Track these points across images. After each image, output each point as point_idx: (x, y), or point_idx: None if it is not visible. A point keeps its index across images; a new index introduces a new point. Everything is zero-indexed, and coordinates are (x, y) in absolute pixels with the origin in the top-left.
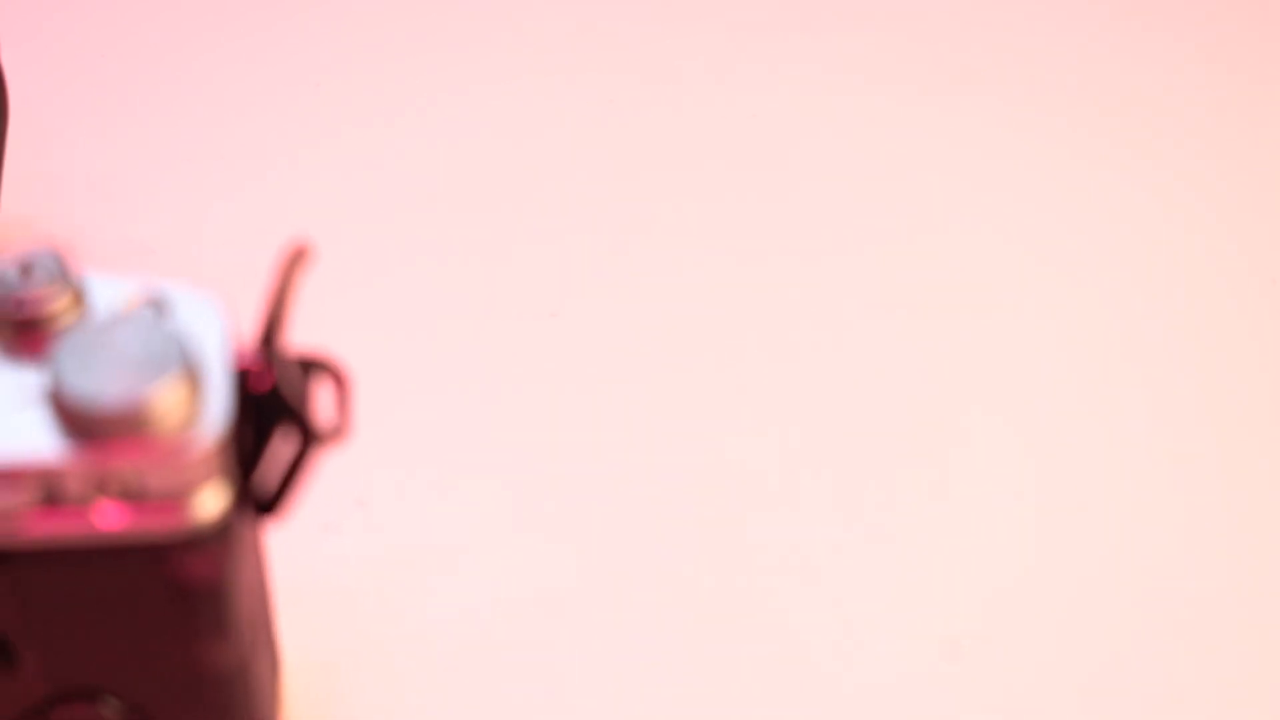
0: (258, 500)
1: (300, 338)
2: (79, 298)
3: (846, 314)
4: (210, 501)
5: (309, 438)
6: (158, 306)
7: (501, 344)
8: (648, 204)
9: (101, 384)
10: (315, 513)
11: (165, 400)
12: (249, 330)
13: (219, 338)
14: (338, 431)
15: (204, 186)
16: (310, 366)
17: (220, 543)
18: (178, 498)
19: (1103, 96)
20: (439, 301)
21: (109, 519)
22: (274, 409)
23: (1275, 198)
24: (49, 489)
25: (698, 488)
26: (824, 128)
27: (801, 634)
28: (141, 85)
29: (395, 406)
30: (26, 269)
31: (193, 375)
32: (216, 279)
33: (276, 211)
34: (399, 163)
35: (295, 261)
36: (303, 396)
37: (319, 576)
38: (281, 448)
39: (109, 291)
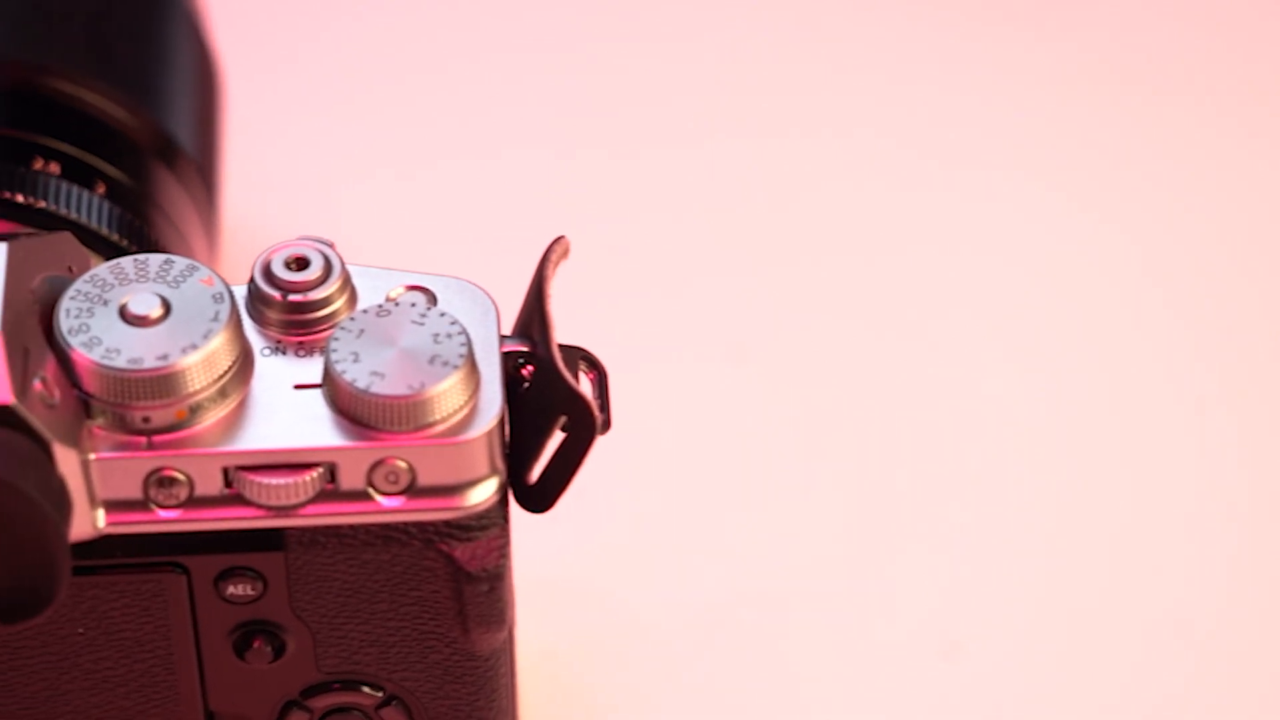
0: (529, 493)
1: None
2: (349, 289)
3: (839, 315)
4: (484, 491)
5: (588, 430)
6: (427, 297)
7: (717, 336)
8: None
9: (380, 375)
10: None
11: (443, 392)
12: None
13: (489, 329)
14: (606, 424)
15: (436, 179)
16: (575, 358)
17: (496, 532)
18: (453, 487)
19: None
20: (661, 291)
21: (384, 507)
22: (548, 400)
23: None
24: (325, 477)
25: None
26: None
27: (801, 633)
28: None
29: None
30: (299, 262)
31: (469, 367)
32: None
33: (494, 204)
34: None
35: (557, 255)
36: (578, 388)
37: (541, 565)
38: (553, 440)
39: (376, 283)
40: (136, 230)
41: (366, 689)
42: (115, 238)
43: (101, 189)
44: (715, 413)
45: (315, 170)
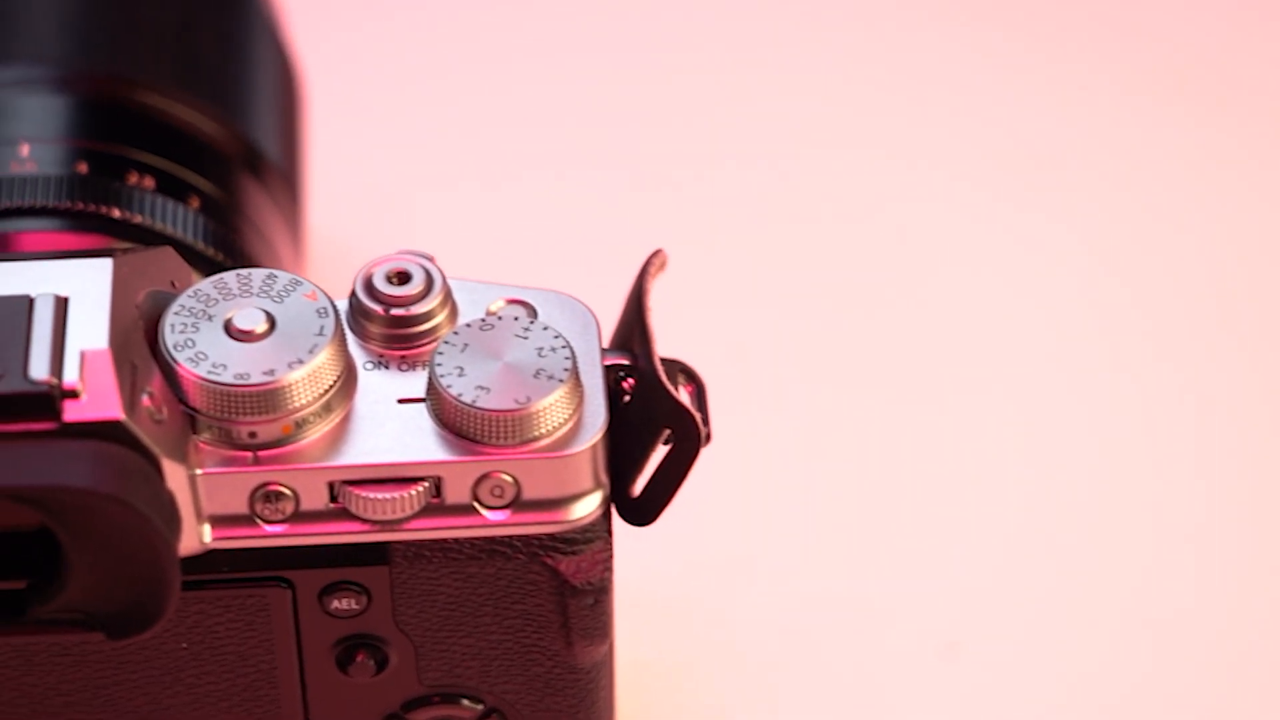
0: (633, 506)
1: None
2: (450, 303)
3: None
4: (589, 505)
5: (693, 443)
6: (527, 311)
7: (797, 346)
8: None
9: (485, 389)
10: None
11: (549, 406)
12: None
13: (590, 342)
14: (707, 437)
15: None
16: (674, 371)
17: (600, 545)
18: (557, 500)
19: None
20: (743, 303)
21: (489, 521)
22: (652, 414)
23: None
24: (431, 491)
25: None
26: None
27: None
28: (472, 87)
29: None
30: (400, 276)
31: (574, 381)
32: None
33: (567, 215)
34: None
35: (655, 267)
36: (683, 402)
37: (632, 576)
38: (656, 453)
39: (475, 296)
40: (229, 243)
41: (466, 701)
42: (211, 252)
43: (196, 203)
44: (803, 424)
45: (392, 178)
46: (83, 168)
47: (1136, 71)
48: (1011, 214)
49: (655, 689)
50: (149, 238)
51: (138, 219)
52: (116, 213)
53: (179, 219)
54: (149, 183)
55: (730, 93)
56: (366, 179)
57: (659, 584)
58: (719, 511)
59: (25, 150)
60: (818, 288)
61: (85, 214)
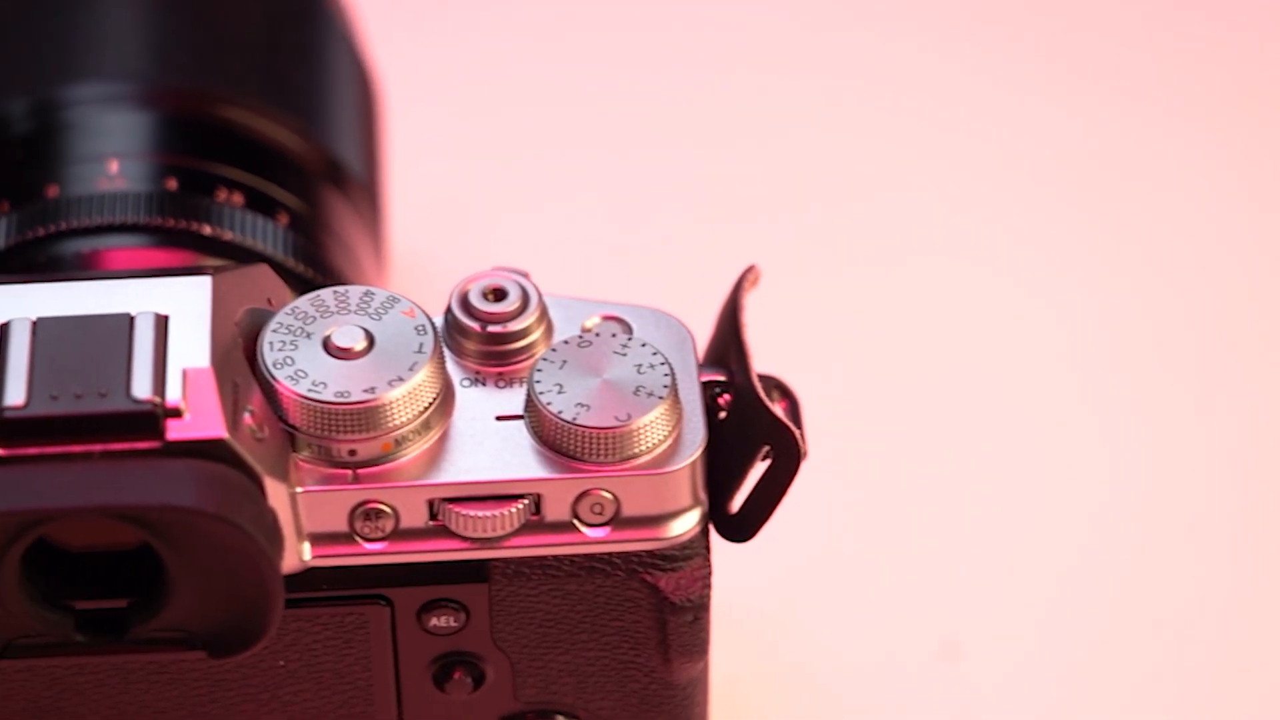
0: (731, 522)
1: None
2: (546, 320)
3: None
4: (688, 522)
5: (793, 459)
6: (623, 327)
7: (884, 358)
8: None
9: (585, 406)
10: None
11: (649, 423)
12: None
13: (687, 358)
14: (805, 452)
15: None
16: (769, 387)
17: (699, 562)
18: (657, 517)
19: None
20: (826, 316)
21: (589, 538)
22: (750, 430)
23: None
24: (530, 508)
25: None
26: None
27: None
28: (548, 100)
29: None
30: (496, 293)
31: (673, 397)
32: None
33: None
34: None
35: (749, 283)
36: (783, 419)
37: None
38: (754, 469)
39: (570, 313)
40: (316, 259)
41: (561, 718)
42: (300, 268)
43: (284, 219)
44: (893, 435)
45: (465, 189)
46: (172, 184)
47: (1188, 84)
48: (1080, 233)
49: (742, 703)
50: (239, 254)
51: (228, 235)
52: (207, 229)
53: (268, 235)
54: (238, 199)
55: (813, 111)
56: (437, 190)
57: (747, 597)
58: (802, 525)
59: (114, 167)
60: (892, 305)
61: (175, 231)
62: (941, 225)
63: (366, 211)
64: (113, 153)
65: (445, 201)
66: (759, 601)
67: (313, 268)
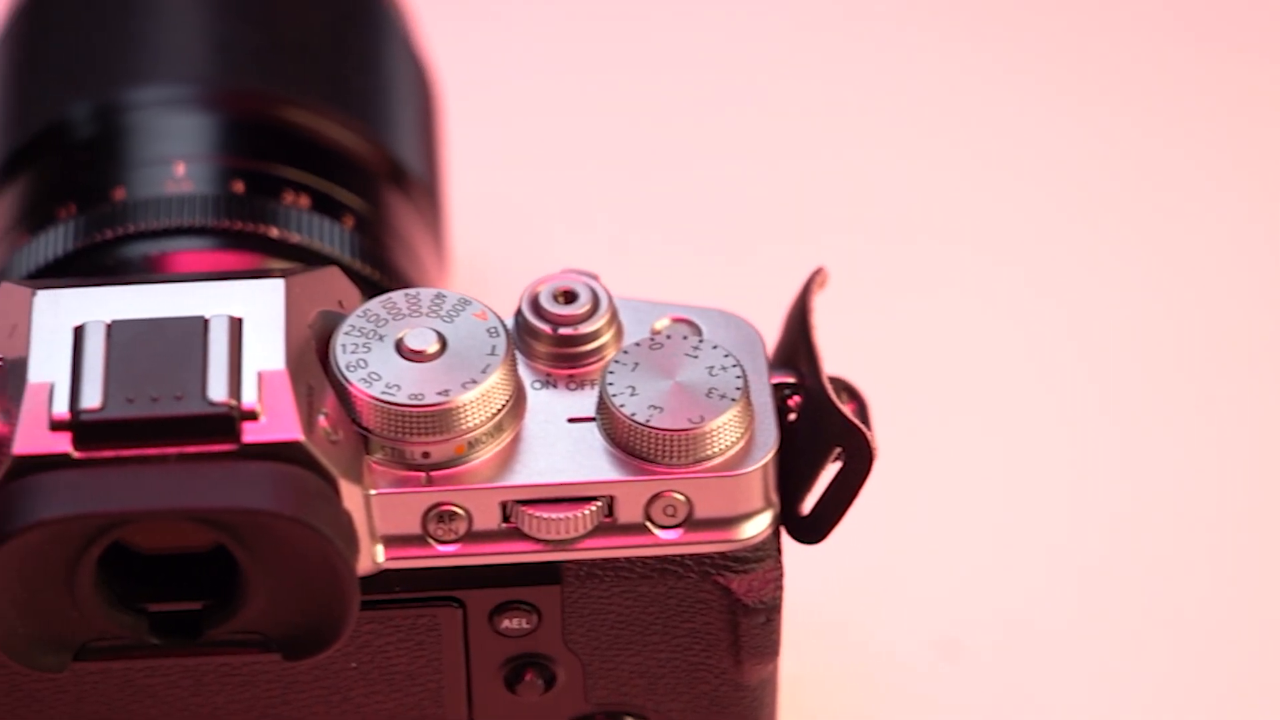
0: (802, 524)
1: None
2: (616, 323)
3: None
4: (760, 524)
5: (865, 461)
6: (693, 329)
7: (940, 361)
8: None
9: (658, 408)
10: None
11: (722, 425)
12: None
13: (758, 360)
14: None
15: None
16: (837, 389)
17: (771, 564)
18: (729, 519)
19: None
20: (885, 319)
21: (661, 540)
22: (821, 432)
23: None
24: (603, 510)
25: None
26: None
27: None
28: (605, 104)
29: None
30: (566, 295)
31: (745, 400)
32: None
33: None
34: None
35: (817, 285)
36: (854, 420)
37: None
38: (825, 471)
39: (639, 315)
40: (382, 261)
41: (629, 719)
42: (367, 270)
43: (350, 222)
44: (952, 441)
45: (519, 189)
46: (239, 187)
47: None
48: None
49: (806, 704)
50: (306, 257)
51: (295, 238)
52: (274, 232)
53: (335, 238)
54: (304, 201)
55: (878, 114)
56: (494, 191)
57: (810, 598)
58: (866, 525)
59: (181, 170)
60: (956, 307)
61: (243, 233)
62: (1005, 232)
63: (428, 212)
64: (179, 155)
65: (500, 202)
66: (820, 601)
67: (379, 270)
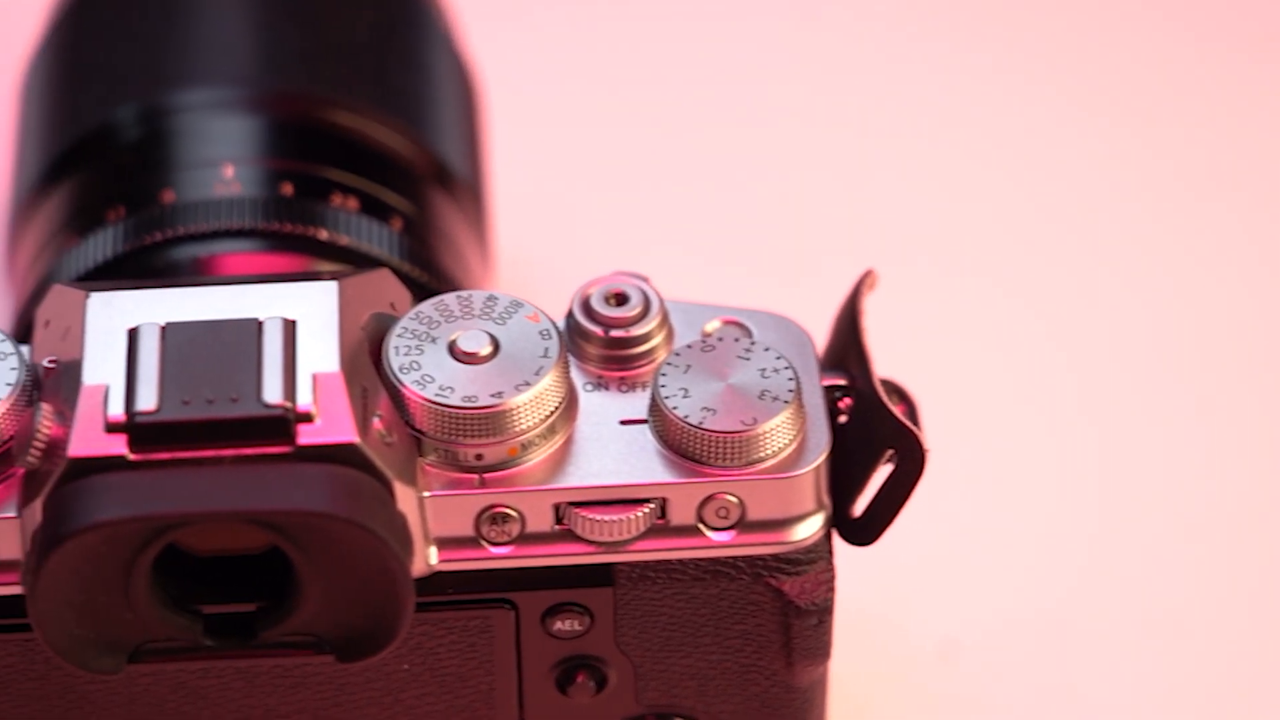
0: (854, 526)
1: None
2: (668, 325)
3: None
4: (812, 526)
5: (917, 463)
6: (743, 332)
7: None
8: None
9: (711, 410)
10: None
11: (775, 427)
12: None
13: (808, 362)
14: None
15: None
16: (887, 391)
17: (823, 565)
18: (781, 521)
19: None
20: (935, 319)
21: (714, 542)
22: (872, 434)
23: None
24: (656, 512)
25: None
26: None
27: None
28: (650, 103)
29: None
30: (618, 298)
31: (798, 402)
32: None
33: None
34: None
35: (867, 287)
36: (906, 422)
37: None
38: (876, 473)
39: (689, 317)
40: (429, 263)
41: None
42: (415, 273)
43: (398, 224)
44: (998, 437)
45: (558, 188)
46: (287, 189)
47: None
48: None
49: (850, 703)
50: (355, 259)
51: (344, 240)
52: (323, 234)
53: (383, 240)
54: (353, 204)
55: (925, 115)
56: (535, 192)
57: (854, 597)
58: (919, 525)
59: (229, 172)
60: (996, 309)
61: (292, 236)
62: (1051, 235)
63: (472, 213)
64: (227, 158)
65: (541, 202)
66: (867, 600)
67: (426, 272)
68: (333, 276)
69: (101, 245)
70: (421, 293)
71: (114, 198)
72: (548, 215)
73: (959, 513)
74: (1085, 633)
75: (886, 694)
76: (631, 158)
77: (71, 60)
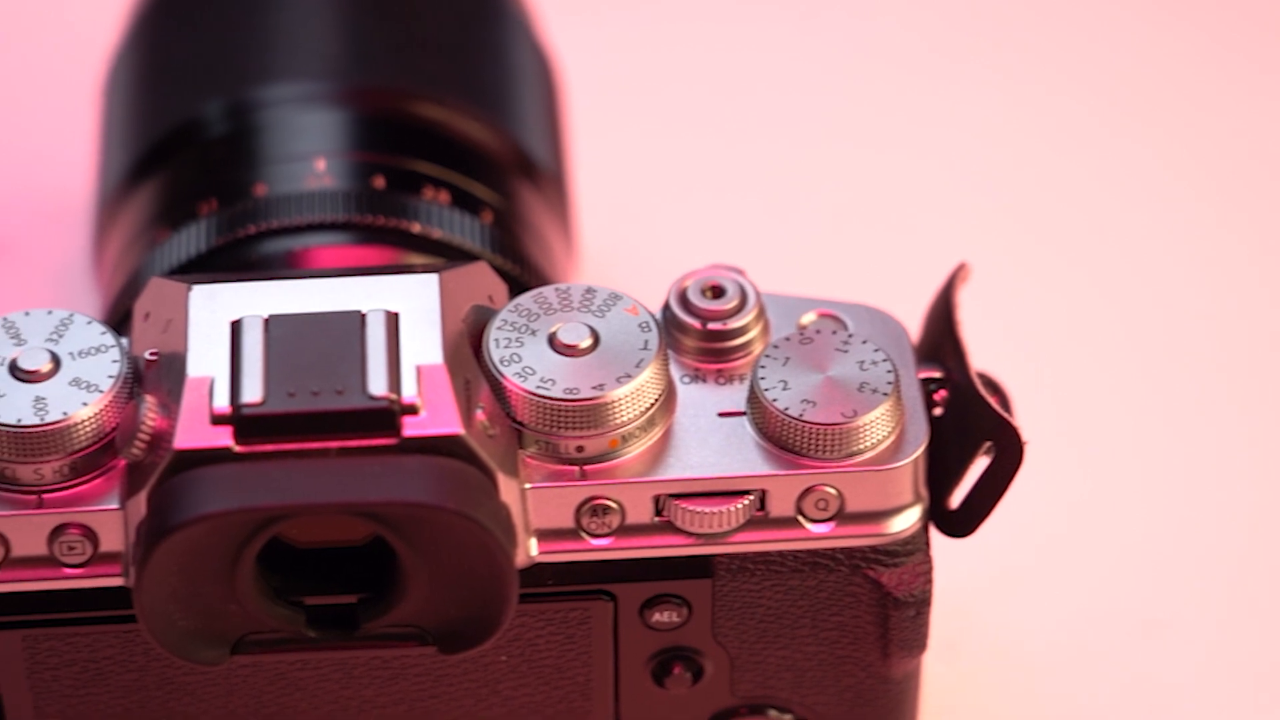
0: (951, 518)
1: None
2: (764, 318)
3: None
4: (910, 518)
5: (1015, 455)
6: (839, 324)
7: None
8: None
9: (811, 403)
10: None
11: (874, 420)
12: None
13: (905, 354)
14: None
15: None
16: (983, 383)
17: (920, 557)
18: (880, 513)
19: None
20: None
21: (813, 534)
22: (969, 426)
23: None
24: (755, 504)
25: None
26: None
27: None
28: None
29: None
30: (714, 290)
31: (896, 394)
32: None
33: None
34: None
35: (961, 279)
36: (1004, 415)
37: None
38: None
39: (784, 309)
40: (518, 255)
41: (774, 712)
42: (507, 265)
43: (489, 216)
44: (1078, 428)
45: (643, 185)
46: (379, 182)
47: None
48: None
49: (948, 698)
50: (446, 252)
51: (437, 233)
52: (416, 227)
53: (474, 232)
54: (444, 197)
55: (1015, 109)
56: (616, 182)
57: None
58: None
59: (321, 165)
60: (1090, 302)
61: (385, 229)
62: (1144, 224)
63: (557, 205)
64: (319, 151)
65: (624, 194)
66: (953, 593)
67: (517, 264)
68: (432, 269)
69: (194, 238)
70: (513, 285)
71: (205, 191)
72: (630, 208)
73: (1053, 505)
74: (1182, 632)
75: (978, 688)
76: (715, 151)
77: (156, 57)
